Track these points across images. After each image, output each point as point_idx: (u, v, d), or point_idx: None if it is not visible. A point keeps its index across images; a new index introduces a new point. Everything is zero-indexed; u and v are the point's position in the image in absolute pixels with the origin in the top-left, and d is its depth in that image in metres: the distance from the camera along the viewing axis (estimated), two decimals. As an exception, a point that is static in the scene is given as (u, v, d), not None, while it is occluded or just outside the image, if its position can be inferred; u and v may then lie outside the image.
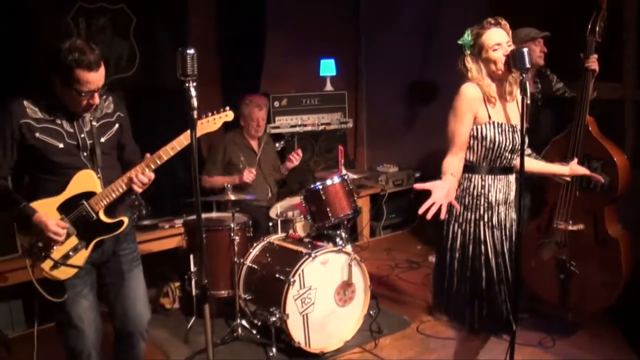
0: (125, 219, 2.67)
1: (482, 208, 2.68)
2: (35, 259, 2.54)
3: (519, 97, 2.74)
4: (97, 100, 2.51)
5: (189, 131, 2.54)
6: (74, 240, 2.57)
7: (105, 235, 2.64)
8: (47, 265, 2.54)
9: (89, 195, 2.56)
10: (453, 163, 2.60)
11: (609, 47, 3.65)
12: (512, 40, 3.49)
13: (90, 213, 2.57)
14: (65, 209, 2.54)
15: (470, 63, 2.64)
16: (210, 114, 2.76)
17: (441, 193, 2.40)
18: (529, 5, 4.58)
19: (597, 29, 3.53)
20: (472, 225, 2.68)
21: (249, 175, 4.50)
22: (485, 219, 2.68)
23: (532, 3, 4.64)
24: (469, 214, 2.69)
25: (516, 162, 2.71)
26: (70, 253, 2.56)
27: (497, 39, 2.58)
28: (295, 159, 4.78)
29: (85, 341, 2.65)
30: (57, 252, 2.54)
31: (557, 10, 4.42)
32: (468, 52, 2.64)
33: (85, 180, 2.56)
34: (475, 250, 2.68)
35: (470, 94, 2.60)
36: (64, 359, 2.74)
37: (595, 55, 3.56)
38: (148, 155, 2.62)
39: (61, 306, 2.60)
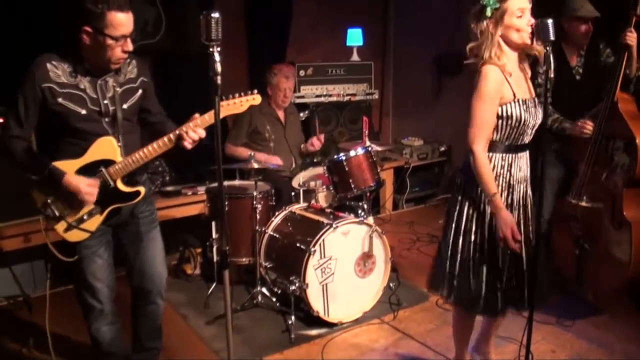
0: (142, 189, 2.68)
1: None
2: (49, 218, 2.57)
3: (528, 70, 2.71)
4: (130, 46, 2.48)
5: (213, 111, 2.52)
6: (90, 205, 2.58)
7: (120, 204, 2.65)
8: (61, 226, 2.57)
9: (107, 162, 2.56)
10: (487, 163, 2.54)
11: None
12: (562, 10, 3.38)
13: (108, 180, 2.57)
14: (83, 172, 2.54)
15: (488, 28, 2.51)
16: (237, 95, 2.71)
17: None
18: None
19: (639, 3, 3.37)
20: (489, 206, 2.62)
21: (275, 162, 4.50)
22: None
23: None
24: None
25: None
26: (85, 217, 2.58)
27: (522, 3, 2.48)
28: (317, 144, 4.77)
29: (100, 298, 2.71)
30: (72, 215, 2.57)
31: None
32: (489, 14, 2.49)
33: (106, 147, 2.55)
34: (491, 231, 2.63)
35: (493, 75, 2.50)
36: (81, 316, 2.81)
37: (631, 30, 3.42)
38: (197, 115, 2.61)
39: (76, 264, 2.64)
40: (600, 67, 3.81)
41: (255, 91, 2.76)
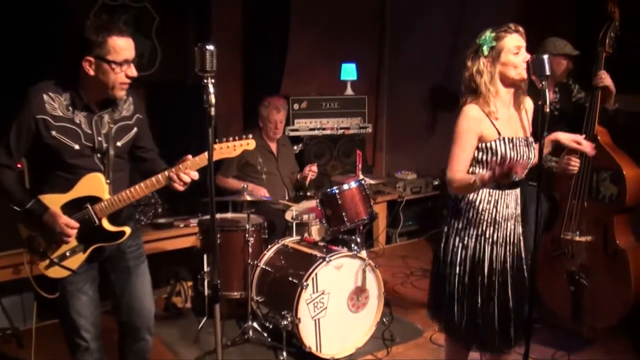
0: (128, 230, 2.62)
1: (485, 223, 2.62)
2: (33, 252, 2.53)
3: (528, 107, 2.73)
4: (134, 72, 2.47)
5: (205, 154, 2.51)
6: (73, 242, 2.53)
7: (104, 243, 2.59)
8: (43, 262, 2.52)
9: (94, 199, 2.52)
10: (461, 176, 2.55)
11: (633, 59, 3.59)
12: (543, 48, 3.41)
13: (92, 218, 2.53)
14: (69, 208, 2.50)
15: (484, 66, 2.54)
16: (231, 139, 2.70)
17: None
18: (558, 16, 4.52)
19: (607, 40, 3.50)
20: (474, 240, 2.63)
21: (262, 194, 4.49)
22: (487, 235, 2.63)
23: (561, 14, 4.58)
24: (472, 229, 2.63)
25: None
26: (67, 254, 2.53)
27: (517, 41, 2.54)
28: (310, 173, 4.78)
29: (84, 336, 2.64)
30: (54, 251, 2.52)
31: (585, 23, 4.35)
32: (485, 53, 2.53)
33: (94, 184, 2.52)
34: (475, 266, 2.63)
35: (472, 114, 2.53)
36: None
37: (603, 72, 3.53)
38: (189, 156, 2.57)
39: (60, 301, 2.59)
40: (573, 102, 3.95)
41: (250, 136, 2.74)
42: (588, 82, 3.65)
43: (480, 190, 2.60)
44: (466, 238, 2.64)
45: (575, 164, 3.23)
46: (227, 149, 2.69)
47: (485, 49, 2.54)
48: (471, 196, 2.62)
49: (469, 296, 2.64)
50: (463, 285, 2.64)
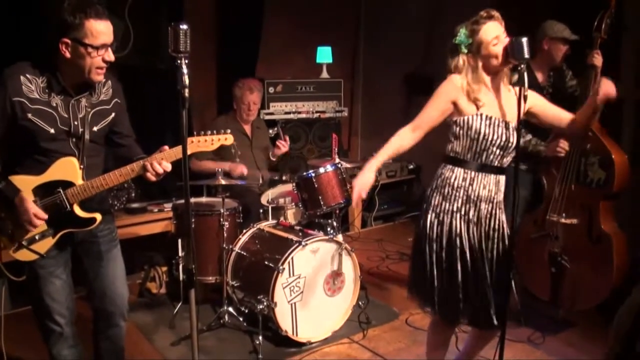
0: (98, 216, 2.57)
1: (460, 200, 2.64)
2: (1, 234, 2.47)
3: (513, 89, 2.73)
4: (111, 56, 2.41)
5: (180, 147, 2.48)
6: (43, 226, 2.48)
7: (74, 229, 2.55)
8: (11, 245, 2.47)
9: (67, 183, 2.47)
10: (398, 138, 2.73)
11: (609, 45, 3.63)
12: (542, 32, 3.52)
13: (64, 203, 2.48)
14: (40, 191, 2.45)
15: (466, 62, 2.56)
16: (209, 132, 2.69)
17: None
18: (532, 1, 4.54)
19: (604, 26, 3.51)
20: (449, 216, 2.64)
21: (241, 170, 4.46)
22: (462, 212, 2.64)
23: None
24: (447, 205, 2.65)
25: (508, 160, 2.68)
26: (37, 237, 2.48)
27: (495, 32, 2.52)
28: (283, 145, 4.80)
29: (59, 321, 2.60)
30: (23, 234, 2.47)
31: (560, 7, 4.37)
32: (465, 50, 2.55)
33: (67, 168, 2.47)
34: (451, 242, 2.64)
35: (455, 81, 2.57)
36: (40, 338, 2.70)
37: (597, 51, 3.55)
38: (166, 147, 2.54)
39: (33, 285, 2.54)
40: (566, 88, 3.93)
41: (229, 131, 2.75)
42: (576, 70, 3.68)
43: (455, 169, 2.64)
44: (442, 214, 2.66)
45: (564, 146, 3.43)
46: (205, 142, 2.68)
47: (463, 47, 2.56)
48: (447, 174, 2.66)
49: (448, 271, 2.65)
50: (440, 261, 2.66)
